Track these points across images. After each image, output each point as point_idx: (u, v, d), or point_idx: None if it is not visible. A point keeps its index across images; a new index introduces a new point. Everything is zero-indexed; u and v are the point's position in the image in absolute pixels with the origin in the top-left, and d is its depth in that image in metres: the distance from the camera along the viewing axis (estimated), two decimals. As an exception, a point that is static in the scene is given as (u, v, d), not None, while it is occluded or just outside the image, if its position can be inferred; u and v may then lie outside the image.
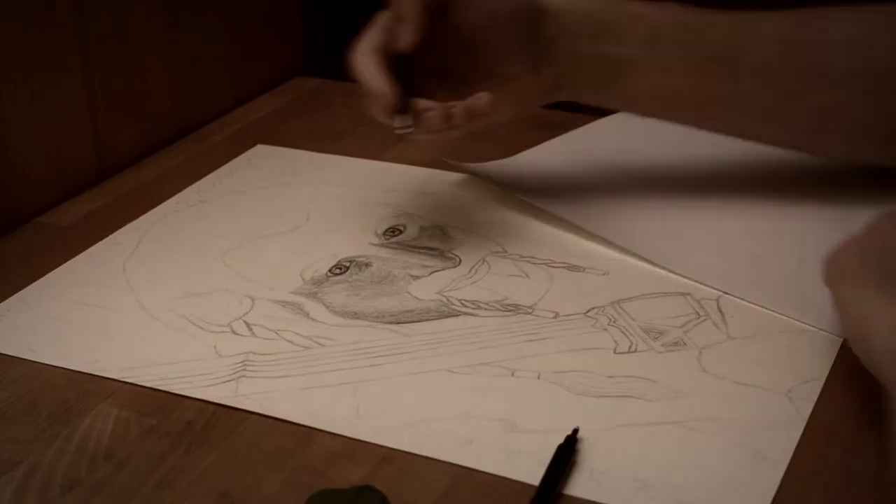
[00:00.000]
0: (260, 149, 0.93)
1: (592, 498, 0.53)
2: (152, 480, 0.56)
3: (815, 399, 0.60)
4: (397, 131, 0.72)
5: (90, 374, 0.64)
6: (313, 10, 1.15)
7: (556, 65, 0.75)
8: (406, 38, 0.71)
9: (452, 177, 0.87)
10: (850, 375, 0.63)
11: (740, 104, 0.75)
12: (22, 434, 0.59)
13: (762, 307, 0.68)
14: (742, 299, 0.69)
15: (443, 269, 0.74)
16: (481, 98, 0.71)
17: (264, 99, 1.06)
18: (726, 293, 0.70)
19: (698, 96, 0.75)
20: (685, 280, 0.72)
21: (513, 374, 0.63)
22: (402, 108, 0.71)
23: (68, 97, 0.85)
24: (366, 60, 0.71)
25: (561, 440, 0.56)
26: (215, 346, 0.66)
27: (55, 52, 0.83)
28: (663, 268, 0.73)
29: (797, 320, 0.67)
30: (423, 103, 0.71)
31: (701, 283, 0.71)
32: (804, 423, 0.58)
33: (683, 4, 0.75)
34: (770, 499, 0.53)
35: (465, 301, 0.70)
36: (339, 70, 1.12)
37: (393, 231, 0.79)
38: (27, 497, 0.54)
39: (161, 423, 0.59)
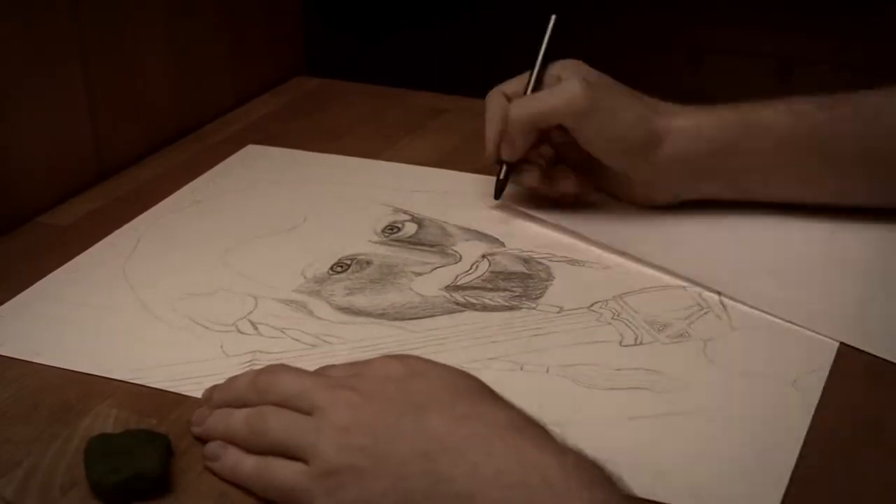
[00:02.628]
0: (251, 149, 0.93)
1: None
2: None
3: (821, 387, 0.61)
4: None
5: (90, 375, 0.63)
6: (313, 10, 1.15)
7: (674, 183, 0.77)
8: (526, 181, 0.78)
9: (451, 175, 0.87)
10: (855, 364, 0.63)
11: (871, 183, 0.76)
12: (22, 434, 0.58)
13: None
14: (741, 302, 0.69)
15: (444, 266, 0.74)
16: (571, 186, 0.78)
17: (264, 99, 1.06)
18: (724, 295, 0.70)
19: (826, 183, 0.76)
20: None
21: (522, 369, 0.63)
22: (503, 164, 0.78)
23: (68, 97, 0.85)
24: (494, 105, 0.77)
25: (574, 432, 0.56)
26: (222, 346, 0.65)
27: (55, 52, 0.83)
28: (664, 269, 0.72)
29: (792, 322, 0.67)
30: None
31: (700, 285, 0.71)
32: (812, 412, 0.59)
33: (818, 99, 0.75)
34: (784, 486, 0.53)
35: (469, 297, 0.70)
36: (339, 70, 1.12)
37: (392, 228, 0.79)
38: (27, 497, 0.54)
39: (161, 423, 0.59)
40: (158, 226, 0.80)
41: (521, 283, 0.72)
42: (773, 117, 0.74)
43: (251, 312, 0.69)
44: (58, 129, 0.85)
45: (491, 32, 1.24)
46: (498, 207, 0.81)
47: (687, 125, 0.75)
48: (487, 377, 0.61)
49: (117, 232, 0.79)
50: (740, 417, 0.59)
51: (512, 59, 1.24)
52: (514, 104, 0.75)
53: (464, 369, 0.62)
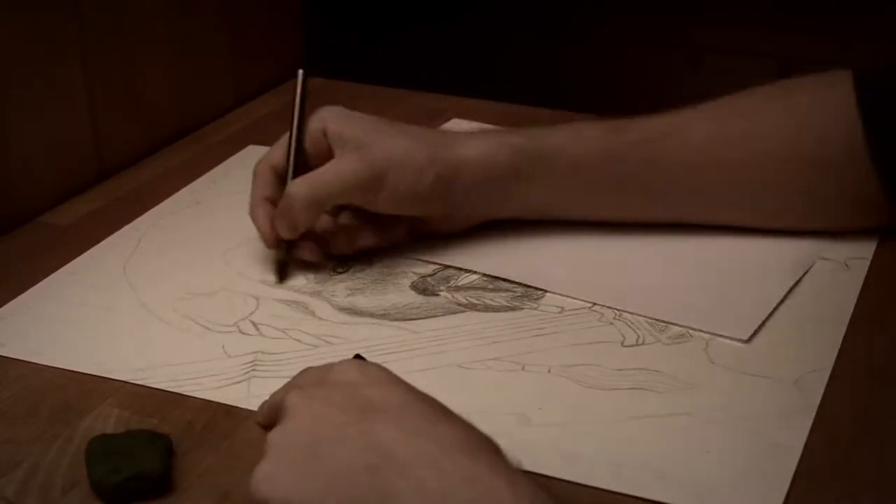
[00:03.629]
0: (252, 149, 0.93)
1: (610, 488, 0.54)
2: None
3: (822, 388, 0.61)
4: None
5: (92, 375, 0.63)
6: (313, 10, 1.15)
7: (471, 211, 0.75)
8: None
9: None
10: (856, 364, 0.63)
11: (668, 198, 0.76)
12: (22, 434, 0.58)
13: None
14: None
15: (445, 266, 0.74)
16: (365, 236, 0.74)
17: (264, 99, 1.06)
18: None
19: (619, 202, 0.76)
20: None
21: (523, 369, 0.63)
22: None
23: (68, 97, 0.85)
24: (260, 183, 0.74)
25: (576, 433, 0.57)
26: (223, 347, 0.65)
27: (55, 52, 0.83)
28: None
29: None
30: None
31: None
32: (814, 412, 0.59)
33: (607, 123, 0.75)
34: (787, 486, 0.54)
35: (471, 297, 0.70)
36: (339, 70, 1.12)
37: None
38: (28, 497, 0.54)
39: (161, 423, 0.59)
40: (159, 226, 0.80)
41: (522, 284, 0.71)
42: (561, 142, 0.74)
43: (253, 313, 0.69)
44: (58, 129, 0.84)
45: (491, 32, 1.24)
46: None
47: (475, 155, 0.72)
48: (489, 377, 0.62)
49: (118, 232, 0.79)
50: (742, 418, 0.58)
51: (512, 59, 1.24)
52: (293, 184, 0.71)
53: (465, 370, 0.63)
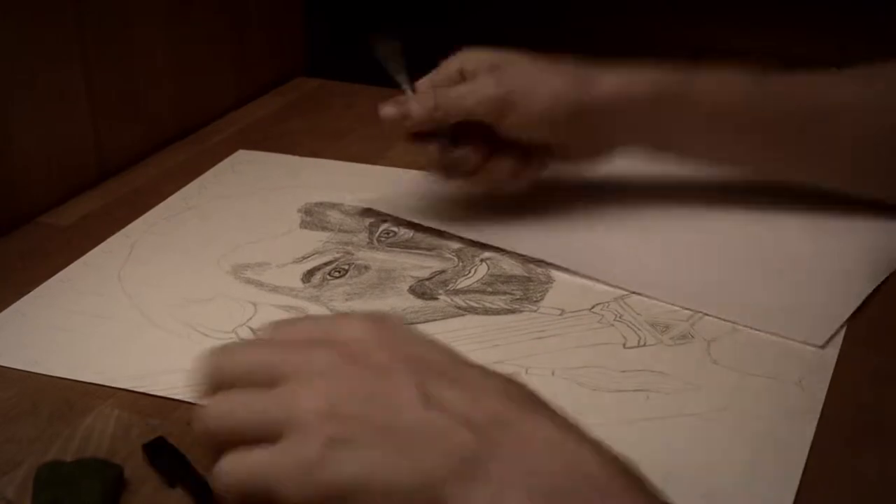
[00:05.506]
0: (242, 154, 0.93)
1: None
2: (153, 480, 0.55)
3: (826, 387, 0.61)
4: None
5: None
6: (314, 11, 1.15)
7: (610, 145, 0.77)
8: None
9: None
10: (859, 363, 0.63)
11: (800, 154, 0.76)
12: (23, 434, 0.58)
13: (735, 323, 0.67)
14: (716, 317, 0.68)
15: (442, 269, 0.74)
16: (503, 169, 0.75)
17: (264, 99, 1.06)
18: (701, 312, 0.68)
19: (749, 150, 0.76)
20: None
21: (526, 372, 0.63)
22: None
23: (69, 97, 0.85)
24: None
25: None
26: None
27: (56, 52, 0.83)
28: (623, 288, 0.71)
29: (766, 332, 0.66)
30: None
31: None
32: (819, 412, 0.59)
33: (748, 71, 0.75)
34: (795, 486, 0.54)
35: (470, 300, 0.70)
36: (339, 70, 1.12)
37: (388, 233, 0.78)
38: (28, 497, 0.53)
39: (162, 423, 0.59)
40: (152, 232, 0.80)
41: (521, 286, 0.71)
42: (702, 82, 0.74)
43: (250, 319, 0.68)
44: (58, 130, 0.84)
45: (491, 32, 1.24)
46: (492, 206, 0.80)
47: (614, 83, 0.73)
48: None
49: (110, 238, 0.78)
50: (747, 418, 0.59)
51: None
52: (438, 92, 0.74)
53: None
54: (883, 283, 0.71)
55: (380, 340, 0.45)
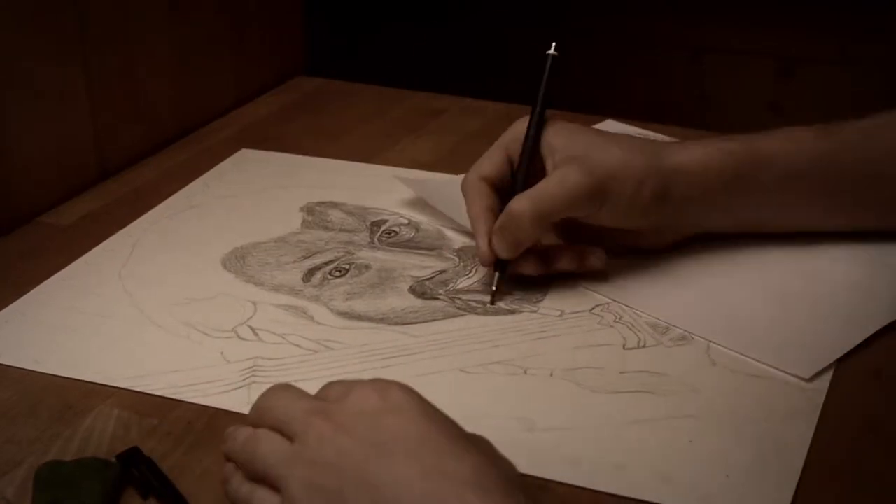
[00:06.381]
0: (245, 153, 0.93)
1: (616, 492, 0.54)
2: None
3: (825, 389, 0.61)
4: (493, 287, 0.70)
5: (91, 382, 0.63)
6: (314, 10, 1.15)
7: (684, 223, 0.73)
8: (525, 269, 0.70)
9: (447, 178, 0.86)
10: (859, 364, 0.63)
11: (880, 202, 0.74)
12: (23, 434, 0.58)
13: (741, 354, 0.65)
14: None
15: (443, 269, 0.74)
16: (595, 256, 0.71)
17: (264, 99, 1.06)
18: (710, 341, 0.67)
19: (829, 209, 0.74)
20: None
21: (525, 373, 0.63)
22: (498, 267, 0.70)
23: (69, 97, 0.85)
24: (476, 196, 0.71)
25: (580, 436, 0.57)
26: (222, 352, 0.65)
27: (56, 52, 0.83)
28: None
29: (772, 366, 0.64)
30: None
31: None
32: (818, 413, 0.59)
33: (815, 128, 0.73)
34: (793, 488, 0.54)
35: (470, 301, 0.70)
36: (339, 70, 1.12)
37: (389, 233, 0.78)
38: (28, 497, 0.54)
39: (162, 423, 0.59)
40: (153, 231, 0.80)
41: (520, 287, 0.71)
42: (775, 147, 0.71)
43: (251, 318, 0.68)
44: (59, 129, 0.84)
45: (491, 32, 1.24)
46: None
47: (692, 161, 0.70)
48: (491, 382, 0.62)
49: (112, 237, 0.78)
50: (746, 420, 0.58)
51: (512, 58, 1.24)
52: (516, 201, 0.68)
53: (467, 374, 0.63)
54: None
55: (376, 414, 0.50)
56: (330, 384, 0.54)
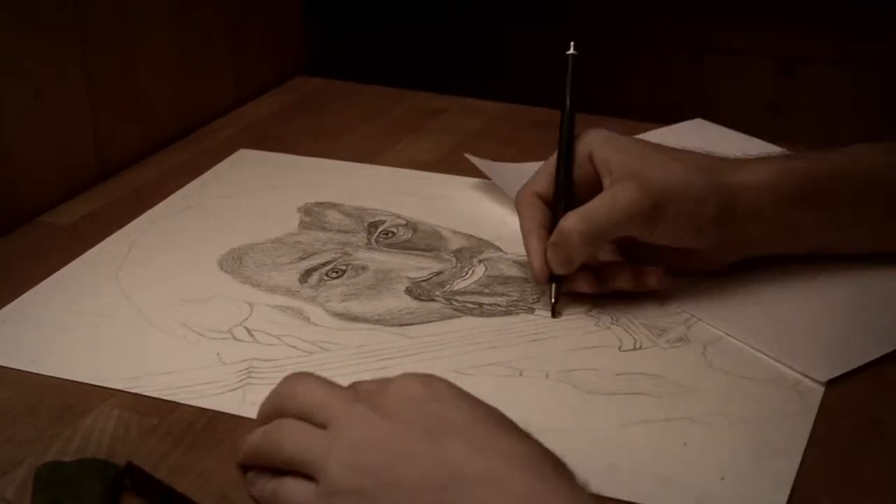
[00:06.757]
0: (242, 153, 0.93)
1: (612, 495, 0.54)
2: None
3: (822, 392, 0.61)
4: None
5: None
6: (314, 10, 1.15)
7: (746, 242, 0.70)
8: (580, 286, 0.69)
9: (445, 178, 0.86)
10: (856, 368, 0.63)
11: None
12: (23, 434, 0.59)
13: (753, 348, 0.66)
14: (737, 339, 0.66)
15: (440, 271, 0.74)
16: (654, 276, 0.69)
17: (264, 99, 1.06)
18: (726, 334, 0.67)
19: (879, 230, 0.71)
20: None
21: (521, 374, 0.63)
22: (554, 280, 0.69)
23: (69, 97, 0.85)
24: (529, 212, 0.70)
25: (576, 438, 0.57)
26: (218, 354, 0.65)
27: (56, 52, 0.83)
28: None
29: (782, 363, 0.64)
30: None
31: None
32: (814, 415, 0.59)
33: (877, 146, 0.71)
34: (788, 490, 0.54)
35: (467, 302, 0.70)
36: (339, 70, 1.12)
37: (386, 233, 0.78)
38: (28, 497, 0.54)
39: (161, 423, 0.59)
40: (150, 232, 0.80)
41: (518, 288, 0.72)
42: (841, 165, 0.69)
43: (246, 319, 0.68)
44: (59, 129, 0.84)
45: (491, 32, 1.24)
46: (491, 209, 0.81)
47: (758, 180, 0.68)
48: (487, 383, 0.62)
49: (109, 238, 0.78)
50: (742, 422, 0.59)
51: (511, 58, 1.24)
52: (567, 218, 0.66)
53: (463, 375, 0.63)
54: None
55: (420, 400, 0.50)
56: (358, 382, 0.54)
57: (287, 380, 0.54)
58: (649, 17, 1.20)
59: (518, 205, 0.71)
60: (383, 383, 0.51)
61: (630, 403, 0.60)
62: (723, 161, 0.70)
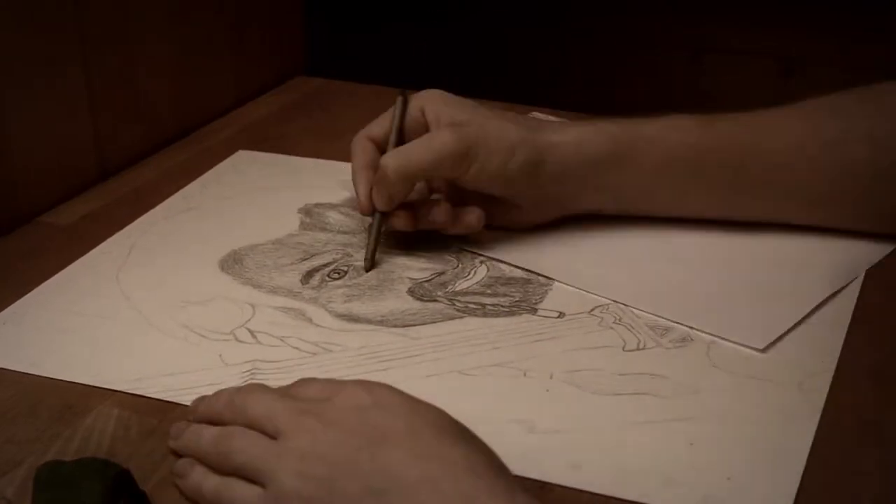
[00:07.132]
0: (242, 154, 0.92)
1: (617, 495, 0.54)
2: (153, 481, 0.55)
3: (826, 391, 0.61)
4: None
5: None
6: (314, 10, 1.15)
7: (559, 199, 0.76)
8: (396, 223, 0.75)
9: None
10: (859, 365, 0.63)
11: (757, 196, 0.75)
12: (23, 434, 0.58)
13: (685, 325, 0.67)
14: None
15: (442, 271, 0.74)
16: (472, 214, 0.75)
17: (264, 99, 1.06)
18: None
19: (707, 197, 0.76)
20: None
21: (525, 375, 0.63)
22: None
23: (69, 97, 0.85)
24: (360, 153, 0.76)
25: (580, 438, 0.57)
26: (220, 355, 0.65)
27: (56, 52, 0.83)
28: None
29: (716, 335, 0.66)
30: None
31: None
32: (819, 415, 0.59)
33: (698, 117, 0.75)
34: (795, 490, 0.54)
35: (469, 303, 0.70)
36: (339, 70, 1.12)
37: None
38: (28, 497, 0.54)
39: (162, 423, 0.59)
40: (151, 233, 0.79)
41: (521, 289, 0.71)
42: (654, 132, 0.74)
43: (249, 320, 0.68)
44: (59, 129, 0.84)
45: (490, 32, 1.24)
46: None
47: (567, 139, 0.74)
48: (491, 384, 0.62)
49: (110, 239, 0.78)
50: (747, 421, 0.59)
51: (511, 58, 1.24)
52: (388, 156, 0.73)
53: (466, 376, 0.63)
54: (884, 285, 0.71)
55: (364, 409, 0.51)
56: (303, 380, 0.56)
57: (242, 390, 0.57)
58: (649, 17, 1.20)
59: (353, 146, 0.77)
60: (330, 390, 0.53)
61: (634, 404, 0.60)
62: (544, 123, 0.76)
